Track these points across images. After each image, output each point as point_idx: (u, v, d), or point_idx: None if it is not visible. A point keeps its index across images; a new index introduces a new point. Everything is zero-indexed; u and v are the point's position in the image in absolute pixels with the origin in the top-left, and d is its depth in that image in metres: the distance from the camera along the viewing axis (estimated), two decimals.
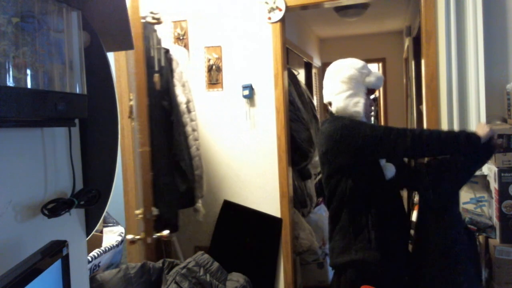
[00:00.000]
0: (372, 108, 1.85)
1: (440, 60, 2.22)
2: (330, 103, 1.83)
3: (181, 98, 2.45)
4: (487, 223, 1.97)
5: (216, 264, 2.31)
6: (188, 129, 2.49)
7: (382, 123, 6.12)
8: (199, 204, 2.62)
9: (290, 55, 3.60)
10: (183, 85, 2.48)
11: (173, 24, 2.77)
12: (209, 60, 2.71)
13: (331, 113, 1.83)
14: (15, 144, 0.94)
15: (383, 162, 1.73)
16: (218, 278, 2.25)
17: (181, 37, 2.76)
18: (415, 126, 3.33)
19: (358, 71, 1.76)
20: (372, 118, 6.53)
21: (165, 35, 2.80)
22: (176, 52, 2.53)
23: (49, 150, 1.05)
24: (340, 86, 1.78)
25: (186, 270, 2.14)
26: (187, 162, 2.38)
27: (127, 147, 2.10)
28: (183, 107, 2.46)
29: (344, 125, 1.69)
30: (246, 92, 2.61)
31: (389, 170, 1.73)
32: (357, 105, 1.73)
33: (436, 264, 1.66)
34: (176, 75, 2.47)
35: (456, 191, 1.75)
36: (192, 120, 2.54)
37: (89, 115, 1.06)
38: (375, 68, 6.42)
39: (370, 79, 1.77)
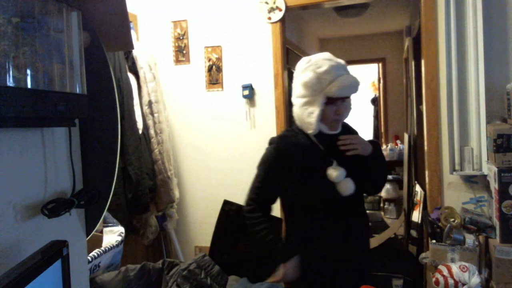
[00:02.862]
0: (339, 115, 1.57)
1: (440, 60, 2.22)
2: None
3: (144, 99, 2.39)
4: (487, 223, 1.97)
5: (217, 268, 2.31)
6: (151, 132, 2.40)
7: (382, 123, 6.12)
8: (173, 209, 2.56)
9: (290, 55, 3.60)
10: (147, 86, 2.44)
11: (173, 24, 2.77)
12: (209, 60, 2.71)
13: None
14: (15, 144, 0.94)
15: (339, 177, 1.54)
16: (219, 282, 2.26)
17: (181, 37, 2.76)
18: (415, 126, 3.33)
19: (317, 78, 1.52)
20: (372, 119, 6.55)
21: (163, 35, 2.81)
22: (142, 50, 2.50)
23: (49, 150, 1.05)
24: (298, 90, 1.60)
25: (188, 272, 2.14)
26: (136, 166, 2.22)
27: None
28: (144, 108, 2.40)
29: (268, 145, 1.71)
30: (246, 92, 2.61)
31: (346, 186, 1.55)
32: (311, 116, 1.53)
33: None
34: (141, 74, 2.43)
35: None
36: (156, 122, 2.45)
37: (89, 115, 1.06)
38: (375, 69, 6.42)
39: (331, 88, 1.50)
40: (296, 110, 1.61)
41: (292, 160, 1.59)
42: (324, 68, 1.52)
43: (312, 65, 1.55)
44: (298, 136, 1.63)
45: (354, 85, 1.54)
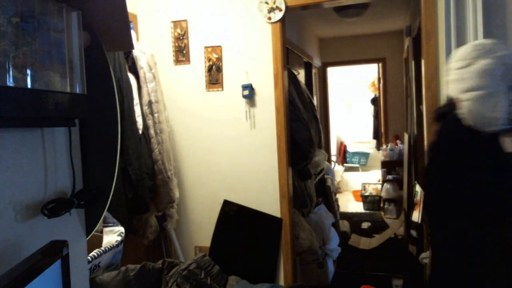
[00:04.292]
0: None
1: (440, 60, 2.22)
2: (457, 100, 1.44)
3: (144, 99, 2.39)
4: None
5: (217, 268, 2.31)
6: (151, 132, 2.41)
7: (382, 123, 6.12)
8: (173, 209, 2.56)
9: (290, 55, 3.60)
10: (147, 86, 2.43)
11: (173, 24, 2.77)
12: (209, 60, 2.71)
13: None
14: (15, 144, 0.94)
15: None
16: (219, 282, 2.26)
17: (181, 37, 2.76)
18: (415, 126, 3.33)
19: (500, 61, 1.34)
20: (372, 119, 6.53)
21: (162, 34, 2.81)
22: (141, 50, 2.49)
23: (49, 150, 1.05)
24: (471, 81, 1.38)
25: (188, 272, 2.14)
26: (136, 166, 2.21)
27: None
28: (144, 108, 2.40)
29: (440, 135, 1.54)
30: (246, 92, 2.61)
31: None
32: (495, 109, 1.33)
33: None
34: (141, 74, 2.42)
35: None
36: (156, 122, 2.45)
37: (89, 115, 1.06)
38: (375, 69, 6.42)
39: None
40: (470, 106, 1.38)
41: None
42: (503, 52, 1.35)
43: (486, 51, 1.37)
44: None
45: None
